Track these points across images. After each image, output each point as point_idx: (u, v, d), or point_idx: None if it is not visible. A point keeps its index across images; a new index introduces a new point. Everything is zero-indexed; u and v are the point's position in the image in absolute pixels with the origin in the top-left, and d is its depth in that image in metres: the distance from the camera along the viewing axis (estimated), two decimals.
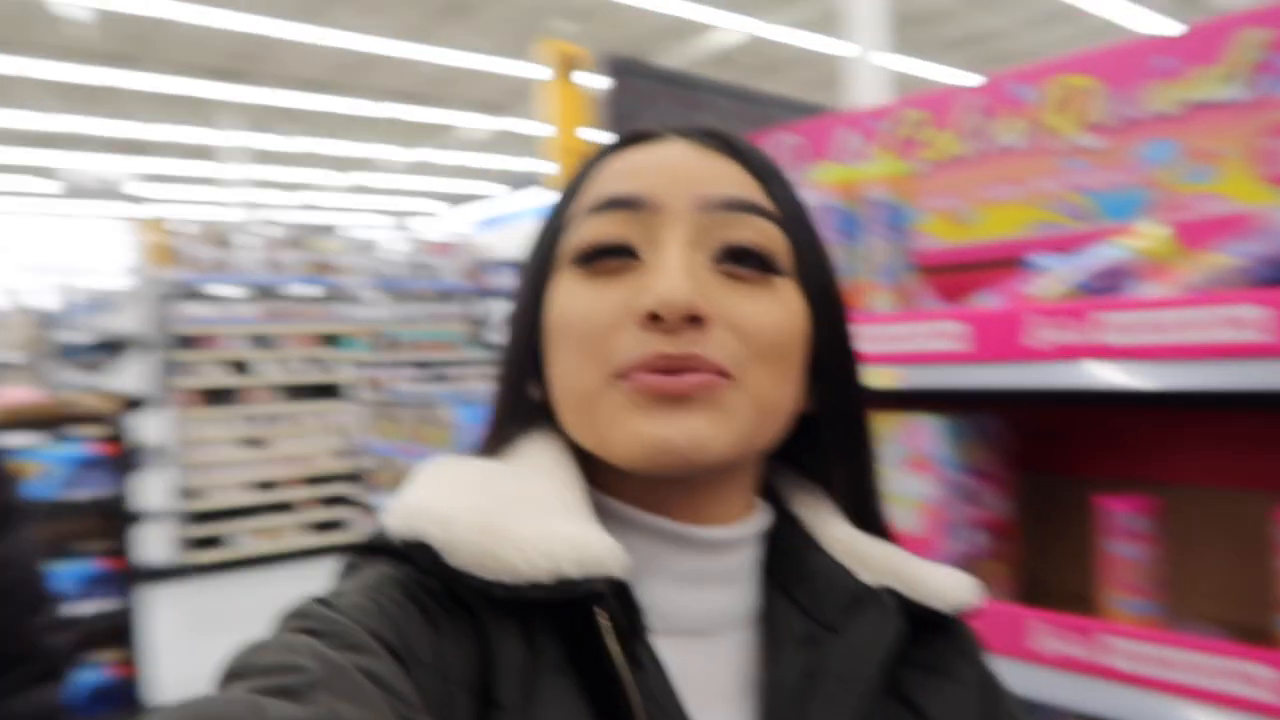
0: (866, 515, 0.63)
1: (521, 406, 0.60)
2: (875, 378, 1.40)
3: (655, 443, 0.51)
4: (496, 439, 0.60)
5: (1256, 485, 1.42)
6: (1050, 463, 1.64)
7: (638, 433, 0.52)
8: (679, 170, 0.56)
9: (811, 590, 0.58)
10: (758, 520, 0.60)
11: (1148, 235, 1.37)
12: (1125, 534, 1.34)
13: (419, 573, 0.50)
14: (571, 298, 0.56)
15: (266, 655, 0.42)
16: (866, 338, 1.42)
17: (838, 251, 1.51)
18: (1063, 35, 10.66)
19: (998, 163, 1.93)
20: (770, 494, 0.64)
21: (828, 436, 0.61)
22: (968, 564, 1.45)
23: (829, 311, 0.59)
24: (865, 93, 7.50)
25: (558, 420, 0.58)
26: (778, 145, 2.28)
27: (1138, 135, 1.73)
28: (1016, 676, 1.26)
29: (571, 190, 0.60)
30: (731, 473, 0.57)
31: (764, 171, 0.59)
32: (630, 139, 0.60)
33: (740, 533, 0.58)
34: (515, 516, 0.50)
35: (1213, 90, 1.64)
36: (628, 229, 0.55)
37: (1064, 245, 1.53)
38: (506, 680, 0.47)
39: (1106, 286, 1.34)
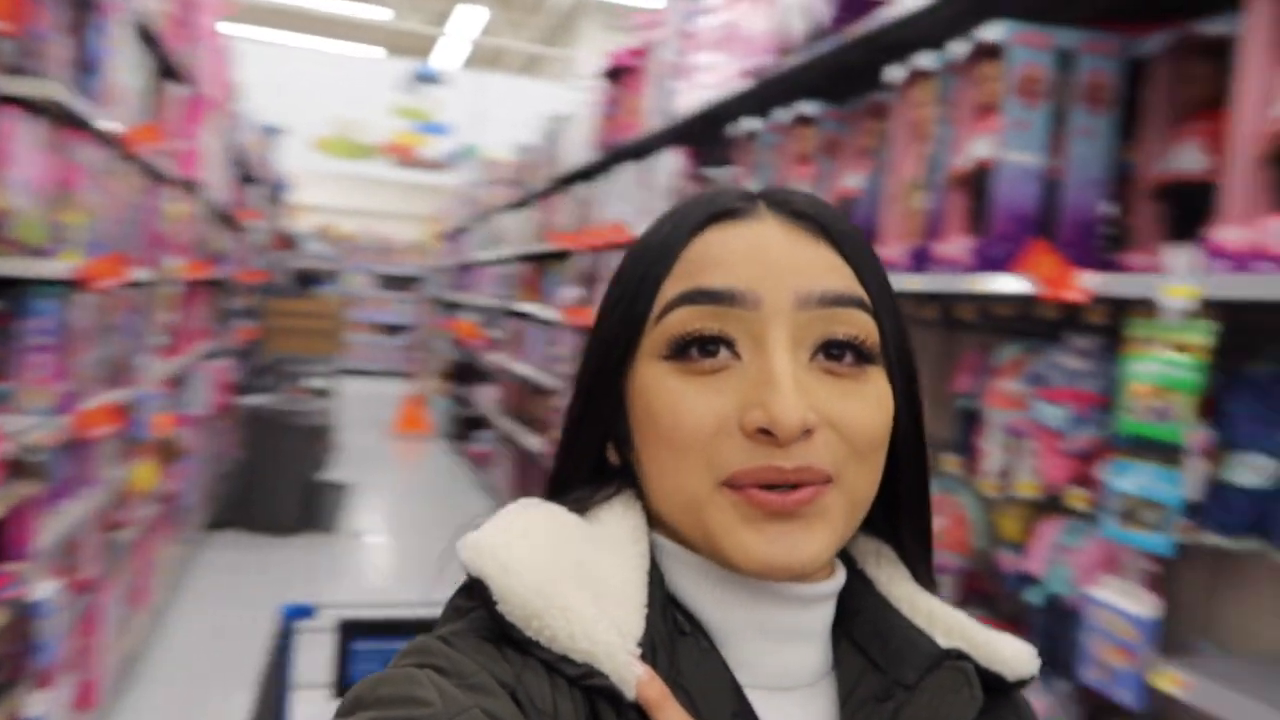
0: (924, 574, 0.64)
1: (599, 470, 0.61)
2: None
3: (765, 559, 0.53)
4: (572, 496, 0.60)
5: None
6: None
7: (747, 548, 0.53)
8: (776, 261, 0.55)
9: (886, 649, 0.59)
10: (839, 577, 0.60)
11: None
12: None
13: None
14: (667, 394, 0.55)
15: (389, 687, 0.43)
16: None
17: None
18: None
19: None
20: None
21: (903, 504, 0.62)
22: None
23: (909, 391, 0.60)
24: None
25: (644, 490, 0.59)
26: None
27: None
28: None
29: (655, 257, 0.58)
30: None
31: (856, 253, 0.58)
32: (720, 213, 0.58)
33: (828, 589, 0.58)
34: (572, 593, 0.51)
35: None
36: (724, 324, 0.54)
37: None
38: None
39: None
